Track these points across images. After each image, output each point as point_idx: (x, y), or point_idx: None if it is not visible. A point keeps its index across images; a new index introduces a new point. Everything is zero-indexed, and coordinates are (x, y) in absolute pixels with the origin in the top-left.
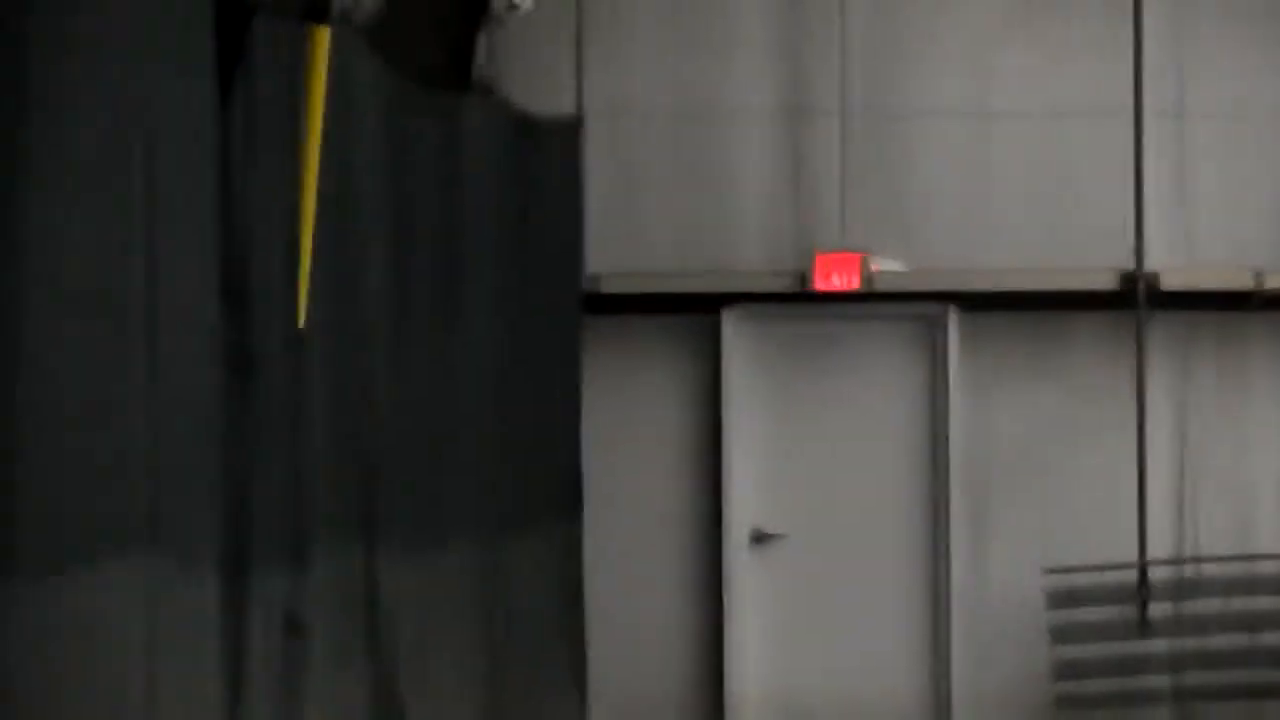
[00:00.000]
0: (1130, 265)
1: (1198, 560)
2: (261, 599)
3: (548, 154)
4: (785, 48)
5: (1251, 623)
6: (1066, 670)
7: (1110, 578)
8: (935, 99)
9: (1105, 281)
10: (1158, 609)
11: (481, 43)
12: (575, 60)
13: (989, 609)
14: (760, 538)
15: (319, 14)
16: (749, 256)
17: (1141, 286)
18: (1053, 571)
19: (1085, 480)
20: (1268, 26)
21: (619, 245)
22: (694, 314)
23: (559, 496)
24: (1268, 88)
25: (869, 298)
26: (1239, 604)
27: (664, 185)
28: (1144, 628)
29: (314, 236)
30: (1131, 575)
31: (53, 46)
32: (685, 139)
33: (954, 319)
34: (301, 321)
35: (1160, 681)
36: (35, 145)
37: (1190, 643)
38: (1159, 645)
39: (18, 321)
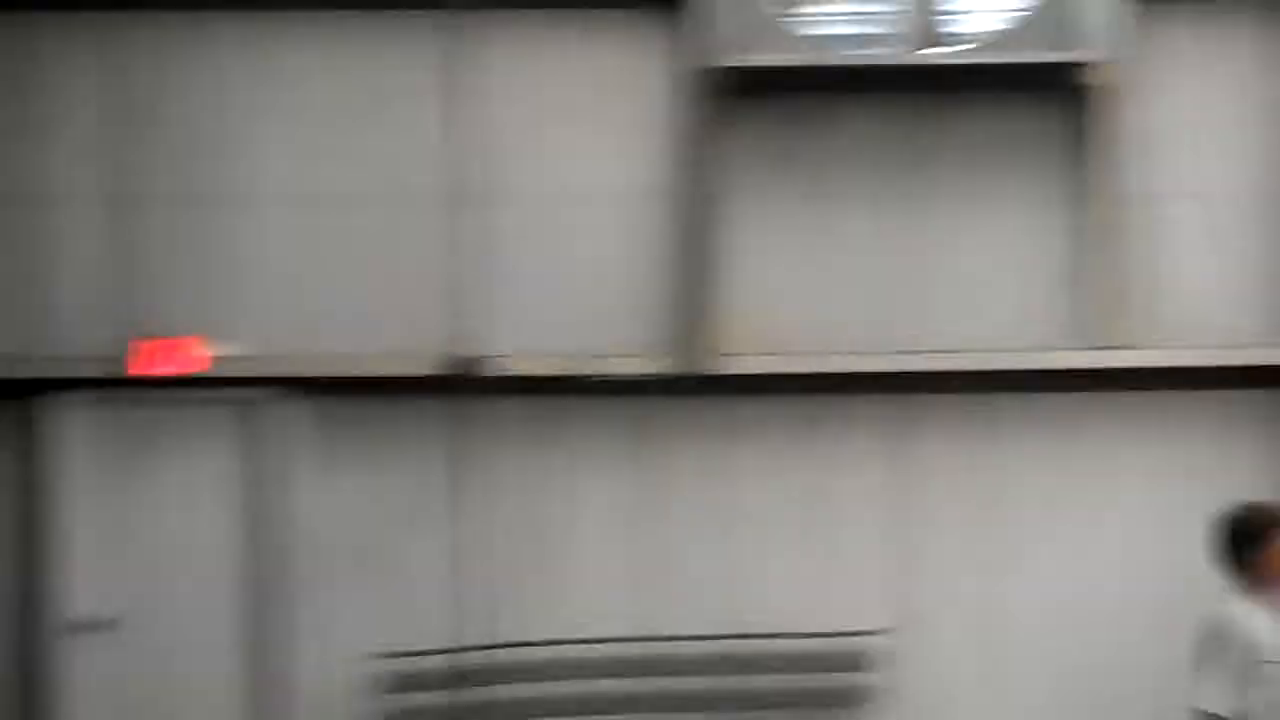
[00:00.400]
0: (457, 350)
1: (520, 645)
2: None
3: None
4: (113, 136)
5: (569, 707)
6: None
7: (439, 663)
8: (269, 183)
9: (432, 366)
10: (482, 693)
11: None
12: None
13: (318, 695)
14: (87, 627)
15: None
16: (76, 341)
17: (462, 372)
18: (381, 657)
19: (415, 565)
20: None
21: None
22: (19, 400)
23: None
24: (607, 172)
25: (200, 382)
26: (557, 688)
27: None
28: (470, 713)
29: None
30: (455, 660)
31: None
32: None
33: (285, 403)
34: None
35: None
36: None
37: None
38: None
39: None
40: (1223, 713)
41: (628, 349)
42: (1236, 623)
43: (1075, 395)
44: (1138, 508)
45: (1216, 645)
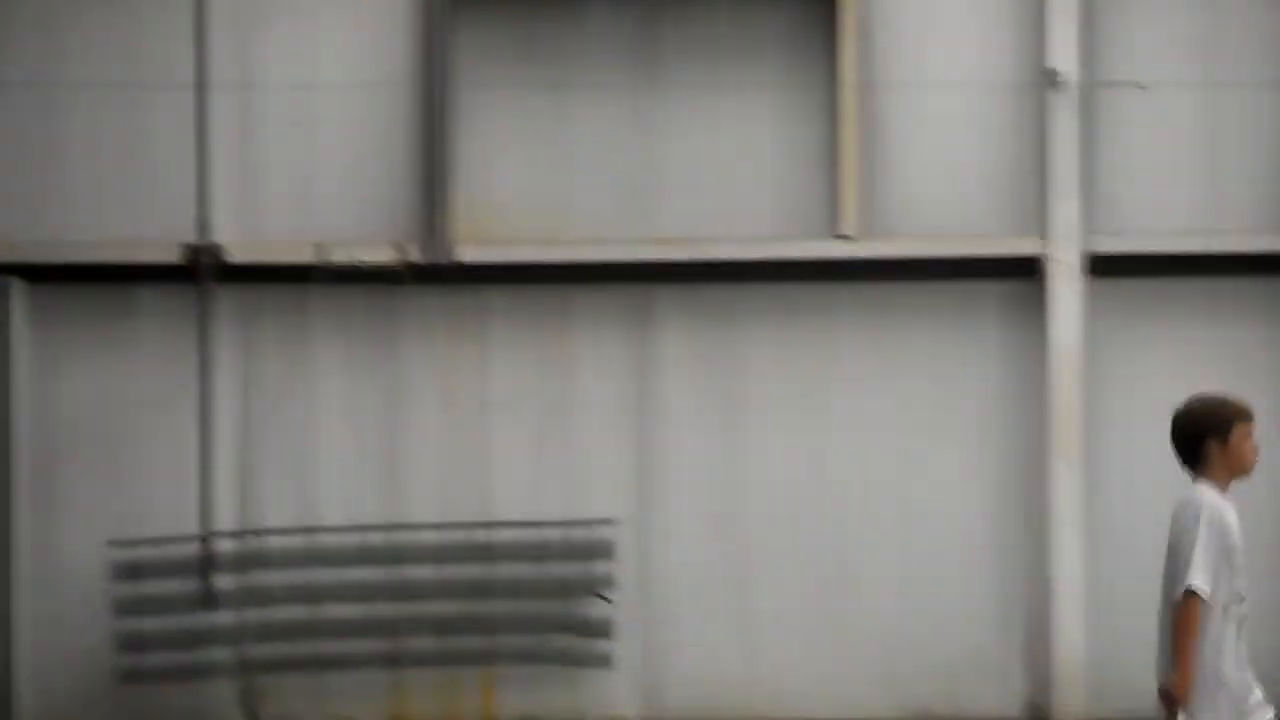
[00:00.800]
0: (196, 238)
1: (261, 533)
2: None
3: None
4: None
5: (313, 595)
6: (130, 643)
7: (175, 550)
8: (12, 70)
9: (170, 254)
10: (222, 581)
11: None
12: None
13: (57, 582)
14: None
15: None
16: None
17: (204, 260)
18: (116, 544)
19: (154, 454)
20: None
21: None
22: None
23: None
24: (350, 60)
25: None
26: (301, 576)
27: None
28: (208, 600)
29: None
30: (196, 548)
31: None
32: None
33: (19, 291)
34: None
35: (225, 654)
36: None
37: (254, 615)
38: (224, 618)
39: None
40: (1207, 595)
41: (371, 238)
42: (1216, 510)
43: (818, 286)
44: (877, 397)
45: (1202, 531)
